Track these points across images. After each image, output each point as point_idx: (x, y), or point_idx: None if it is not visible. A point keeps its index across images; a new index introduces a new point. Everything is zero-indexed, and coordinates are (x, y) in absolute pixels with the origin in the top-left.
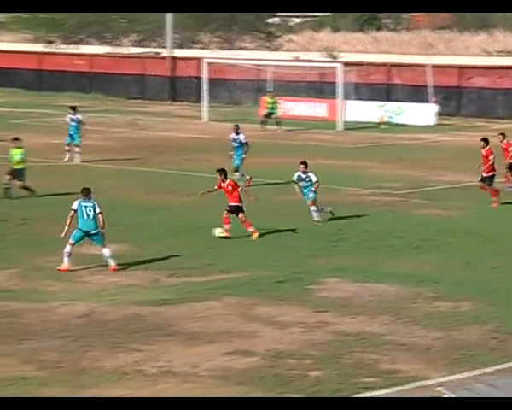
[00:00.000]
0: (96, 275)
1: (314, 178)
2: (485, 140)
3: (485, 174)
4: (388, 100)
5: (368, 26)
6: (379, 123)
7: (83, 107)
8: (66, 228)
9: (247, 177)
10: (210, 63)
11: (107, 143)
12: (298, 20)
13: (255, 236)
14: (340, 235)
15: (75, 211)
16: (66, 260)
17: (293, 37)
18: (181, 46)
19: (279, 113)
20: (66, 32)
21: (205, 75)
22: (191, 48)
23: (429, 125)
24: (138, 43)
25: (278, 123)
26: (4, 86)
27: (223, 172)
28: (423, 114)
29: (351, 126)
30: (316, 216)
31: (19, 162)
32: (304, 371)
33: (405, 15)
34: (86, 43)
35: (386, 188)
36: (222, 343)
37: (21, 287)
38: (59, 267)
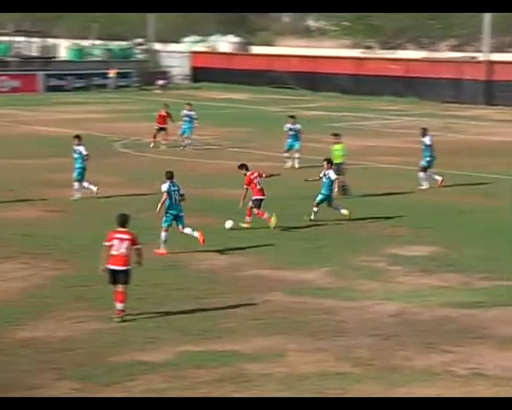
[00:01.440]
0: (408, 276)
1: (333, 176)
2: None
3: None
4: None
5: None
6: None
7: (397, 110)
8: (160, 205)
9: (439, 178)
10: None
11: (419, 146)
12: None
13: (248, 221)
14: None
15: (168, 193)
16: (163, 246)
17: None
18: (499, 50)
19: None
20: (385, 37)
21: None
22: (509, 52)
23: None
24: (455, 48)
25: None
26: (323, 91)
27: (243, 166)
28: None
29: None
30: (313, 214)
31: (339, 157)
32: None
33: None
34: (403, 49)
35: None
36: None
37: (336, 285)
38: (157, 251)
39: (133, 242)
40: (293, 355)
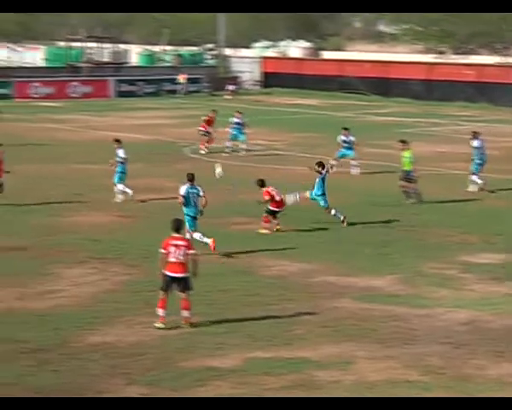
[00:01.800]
0: (479, 283)
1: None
2: None
3: None
4: None
5: None
6: None
7: (469, 116)
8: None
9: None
10: None
11: (493, 152)
12: None
13: (276, 222)
14: None
15: (184, 197)
16: (206, 241)
17: None
18: None
19: None
20: (457, 42)
21: None
22: None
23: None
24: None
25: None
26: (395, 96)
27: (260, 182)
28: None
29: None
30: (343, 220)
31: (408, 164)
32: None
33: None
34: (476, 54)
35: None
36: None
37: (405, 292)
38: (213, 250)
39: (188, 247)
40: (362, 363)
